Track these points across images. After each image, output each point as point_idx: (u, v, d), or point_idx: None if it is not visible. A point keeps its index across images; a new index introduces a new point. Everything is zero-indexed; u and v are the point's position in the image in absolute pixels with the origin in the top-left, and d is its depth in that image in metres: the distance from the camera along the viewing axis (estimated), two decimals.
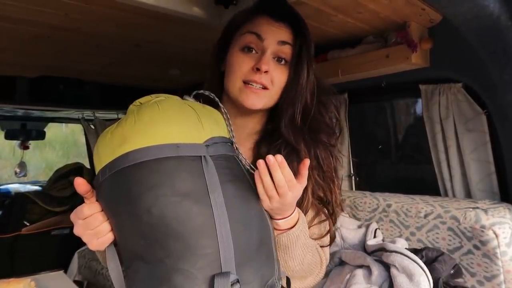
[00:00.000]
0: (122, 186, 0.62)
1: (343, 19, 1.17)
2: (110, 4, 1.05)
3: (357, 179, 1.72)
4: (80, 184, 0.64)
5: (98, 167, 0.66)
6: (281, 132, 0.89)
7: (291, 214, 0.76)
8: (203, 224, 0.60)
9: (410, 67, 1.25)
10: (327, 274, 1.06)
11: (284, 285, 0.80)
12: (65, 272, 1.48)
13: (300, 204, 0.85)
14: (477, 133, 1.24)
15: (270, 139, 0.93)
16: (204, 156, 0.64)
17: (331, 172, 0.93)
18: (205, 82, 1.00)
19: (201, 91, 0.77)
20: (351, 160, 1.69)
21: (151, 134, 0.63)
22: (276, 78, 0.88)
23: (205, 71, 1.02)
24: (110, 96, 2.33)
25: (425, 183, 1.52)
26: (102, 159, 0.65)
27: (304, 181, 0.72)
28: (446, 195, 1.35)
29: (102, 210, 0.66)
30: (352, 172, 1.69)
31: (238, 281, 0.59)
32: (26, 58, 1.68)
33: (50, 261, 2.40)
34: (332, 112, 0.97)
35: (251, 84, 0.86)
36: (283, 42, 0.88)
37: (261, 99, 0.87)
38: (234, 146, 0.75)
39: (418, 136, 1.57)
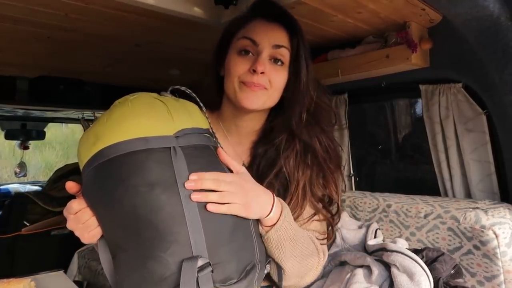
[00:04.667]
0: (98, 182, 0.66)
1: (343, 19, 1.17)
2: (110, 4, 1.05)
3: (357, 179, 1.72)
4: (71, 187, 0.71)
5: (81, 168, 0.70)
6: (294, 132, 0.92)
7: (269, 212, 0.76)
8: (171, 211, 0.63)
9: (410, 67, 1.25)
10: (327, 274, 1.06)
11: (274, 275, 0.82)
12: (65, 272, 1.48)
13: (287, 195, 0.88)
14: (477, 133, 1.24)
15: (266, 140, 0.96)
16: (174, 147, 0.66)
17: (337, 162, 0.96)
18: (205, 86, 1.01)
19: (177, 86, 0.79)
20: (351, 160, 1.69)
21: (121, 130, 0.66)
22: (274, 79, 0.89)
23: (205, 72, 1.02)
24: (110, 96, 2.31)
25: (425, 183, 1.52)
26: (82, 159, 0.69)
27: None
28: (446, 195, 1.35)
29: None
30: (352, 172, 1.69)
31: (210, 264, 0.62)
32: (26, 58, 1.68)
33: (50, 261, 2.39)
34: (329, 102, 1.01)
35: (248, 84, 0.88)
36: (278, 46, 0.90)
37: (259, 98, 0.89)
38: (213, 136, 0.78)
39: (418, 136, 1.57)
